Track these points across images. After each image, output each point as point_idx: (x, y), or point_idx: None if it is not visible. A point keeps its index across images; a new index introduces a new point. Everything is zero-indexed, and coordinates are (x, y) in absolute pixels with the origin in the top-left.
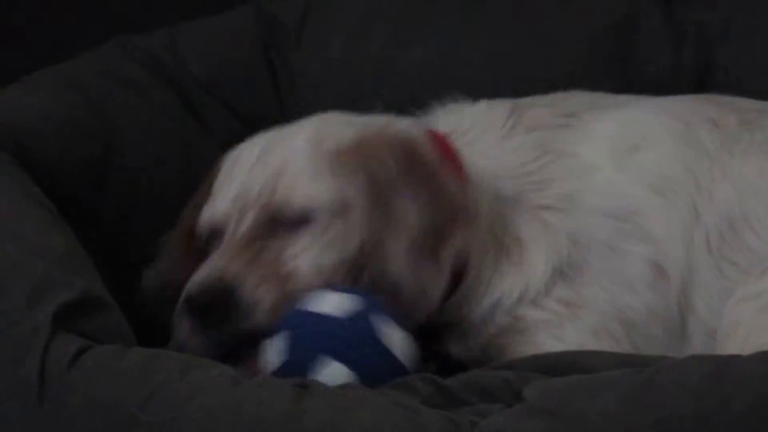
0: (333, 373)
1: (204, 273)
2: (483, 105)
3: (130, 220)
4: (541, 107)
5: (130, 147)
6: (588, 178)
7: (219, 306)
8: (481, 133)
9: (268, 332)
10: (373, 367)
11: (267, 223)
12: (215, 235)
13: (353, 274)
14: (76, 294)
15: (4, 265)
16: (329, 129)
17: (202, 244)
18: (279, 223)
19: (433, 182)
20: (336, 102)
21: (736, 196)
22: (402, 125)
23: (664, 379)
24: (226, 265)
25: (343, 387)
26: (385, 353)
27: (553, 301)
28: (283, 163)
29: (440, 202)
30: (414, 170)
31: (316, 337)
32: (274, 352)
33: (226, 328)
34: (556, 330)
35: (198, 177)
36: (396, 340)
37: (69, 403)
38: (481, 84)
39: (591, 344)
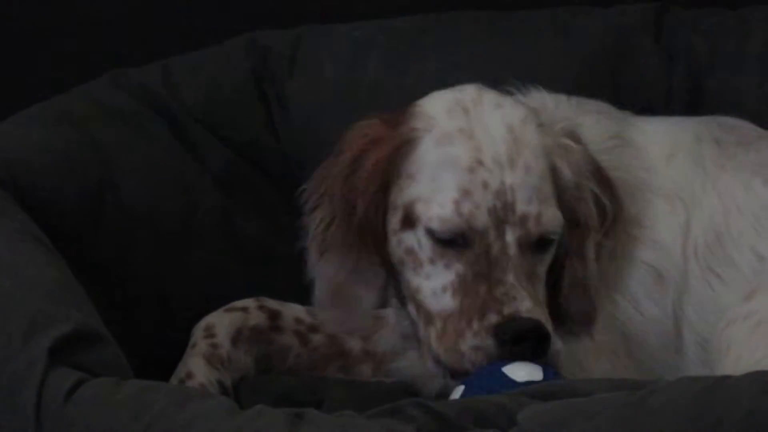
0: None
1: (519, 310)
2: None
3: (126, 252)
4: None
5: (125, 180)
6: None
7: (538, 352)
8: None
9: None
10: None
11: (527, 246)
12: (460, 239)
13: None
14: (72, 327)
15: (0, 299)
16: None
17: (428, 232)
18: (531, 246)
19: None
20: (330, 130)
21: (723, 210)
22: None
23: (656, 402)
24: (533, 305)
25: (338, 415)
26: None
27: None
28: (539, 180)
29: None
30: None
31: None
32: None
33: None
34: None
35: (194, 206)
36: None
37: None
38: None
39: (591, 359)
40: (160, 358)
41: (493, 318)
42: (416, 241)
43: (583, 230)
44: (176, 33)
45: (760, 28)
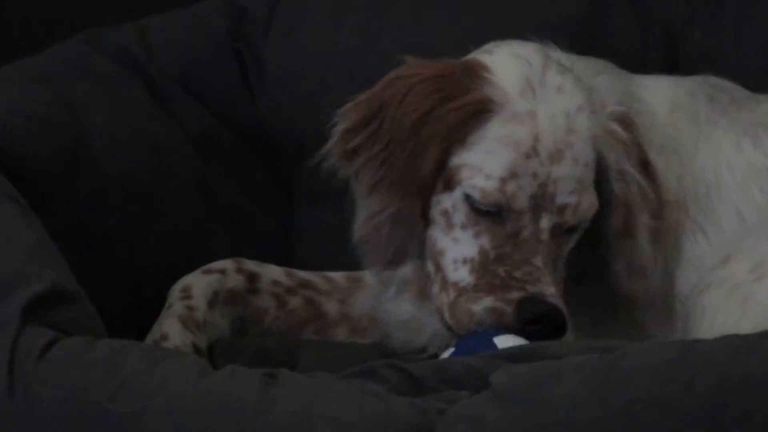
0: None
1: (543, 292)
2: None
3: (101, 212)
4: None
5: (100, 141)
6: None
7: (554, 333)
8: None
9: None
10: None
11: (560, 232)
12: (498, 214)
13: None
14: (46, 286)
15: None
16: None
17: (467, 198)
18: (563, 232)
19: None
20: (305, 92)
21: (713, 166)
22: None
23: (628, 364)
24: (554, 289)
25: (311, 375)
26: None
27: None
28: (584, 171)
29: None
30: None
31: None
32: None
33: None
34: None
35: (169, 168)
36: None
37: (39, 394)
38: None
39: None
40: (135, 318)
41: (516, 294)
42: (452, 203)
43: (628, 212)
44: None
45: None
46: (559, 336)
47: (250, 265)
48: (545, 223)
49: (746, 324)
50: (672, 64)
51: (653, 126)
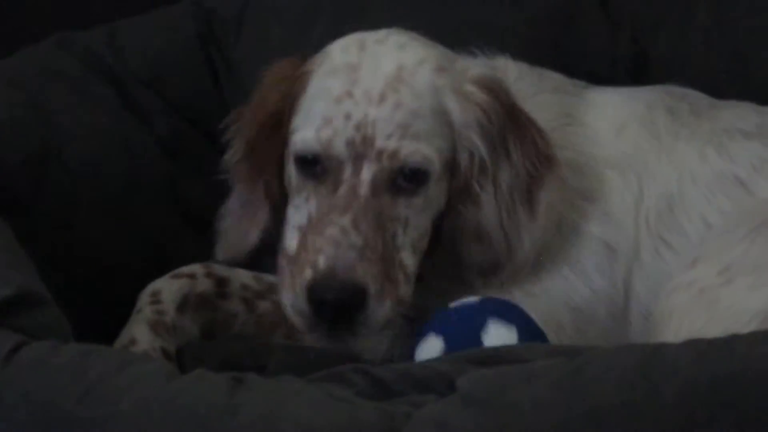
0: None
1: (334, 266)
2: (506, 61)
3: (70, 216)
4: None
5: (70, 144)
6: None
7: (351, 314)
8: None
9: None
10: None
11: (385, 182)
12: (319, 167)
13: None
14: (12, 290)
15: None
16: (450, 70)
17: (295, 158)
18: (395, 183)
19: (528, 129)
20: None
21: (677, 179)
22: (491, 72)
23: (594, 369)
24: (354, 262)
25: (278, 380)
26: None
27: (518, 291)
28: (411, 117)
29: (534, 150)
30: (516, 117)
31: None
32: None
33: (349, 327)
34: None
35: (138, 171)
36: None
37: (4, 399)
38: None
39: None
40: (103, 323)
41: (308, 273)
42: (292, 171)
43: (463, 175)
44: None
45: None
46: (360, 316)
47: (220, 269)
48: (366, 173)
49: (714, 327)
50: (641, 68)
51: (600, 144)
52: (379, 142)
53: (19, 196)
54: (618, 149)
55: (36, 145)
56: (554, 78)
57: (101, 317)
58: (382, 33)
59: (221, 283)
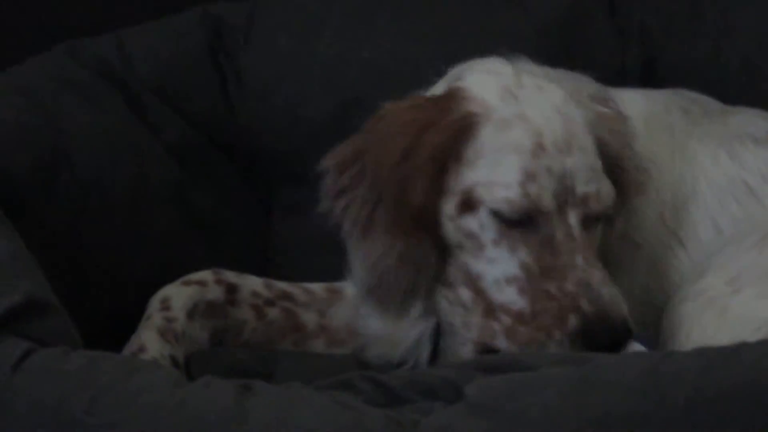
0: None
1: (604, 308)
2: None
3: (79, 222)
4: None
5: (79, 151)
6: None
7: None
8: None
9: None
10: None
11: (589, 225)
12: (524, 218)
13: None
14: (21, 297)
15: None
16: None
17: (494, 213)
18: (590, 224)
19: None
20: (284, 102)
21: (691, 177)
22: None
23: (603, 377)
24: (607, 280)
25: (286, 387)
26: None
27: None
28: (594, 159)
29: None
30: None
31: None
32: None
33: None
34: None
35: (147, 179)
36: None
37: (14, 406)
38: (429, 84)
39: None
40: (112, 329)
41: (573, 321)
42: (478, 224)
43: (625, 195)
44: (131, 4)
45: (712, 3)
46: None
47: (230, 276)
48: (573, 218)
49: (723, 336)
50: (650, 75)
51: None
52: (581, 189)
53: (28, 202)
54: (643, 143)
55: (45, 151)
56: (575, 75)
57: (110, 324)
58: (503, 74)
59: (231, 290)
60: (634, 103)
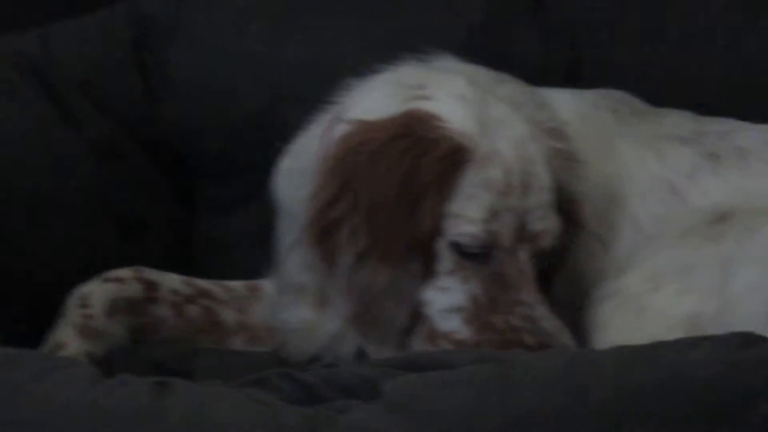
0: None
1: (555, 333)
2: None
3: None
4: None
5: None
6: None
7: None
8: None
9: None
10: None
11: (536, 259)
12: (484, 254)
13: None
14: None
15: None
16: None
17: (454, 245)
18: (536, 258)
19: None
20: (210, 100)
21: (616, 177)
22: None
23: (521, 374)
24: (551, 317)
25: (204, 384)
26: None
27: None
28: (549, 195)
29: None
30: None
31: None
32: None
33: None
34: None
35: (68, 175)
36: None
37: None
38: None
39: None
40: (32, 327)
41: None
42: (434, 253)
43: (578, 230)
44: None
45: (638, 4)
46: None
47: (150, 273)
48: (523, 254)
49: (642, 335)
50: (575, 75)
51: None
52: (533, 226)
53: None
54: (576, 144)
55: None
56: (503, 74)
57: (30, 322)
58: (473, 98)
59: (151, 287)
60: (563, 102)
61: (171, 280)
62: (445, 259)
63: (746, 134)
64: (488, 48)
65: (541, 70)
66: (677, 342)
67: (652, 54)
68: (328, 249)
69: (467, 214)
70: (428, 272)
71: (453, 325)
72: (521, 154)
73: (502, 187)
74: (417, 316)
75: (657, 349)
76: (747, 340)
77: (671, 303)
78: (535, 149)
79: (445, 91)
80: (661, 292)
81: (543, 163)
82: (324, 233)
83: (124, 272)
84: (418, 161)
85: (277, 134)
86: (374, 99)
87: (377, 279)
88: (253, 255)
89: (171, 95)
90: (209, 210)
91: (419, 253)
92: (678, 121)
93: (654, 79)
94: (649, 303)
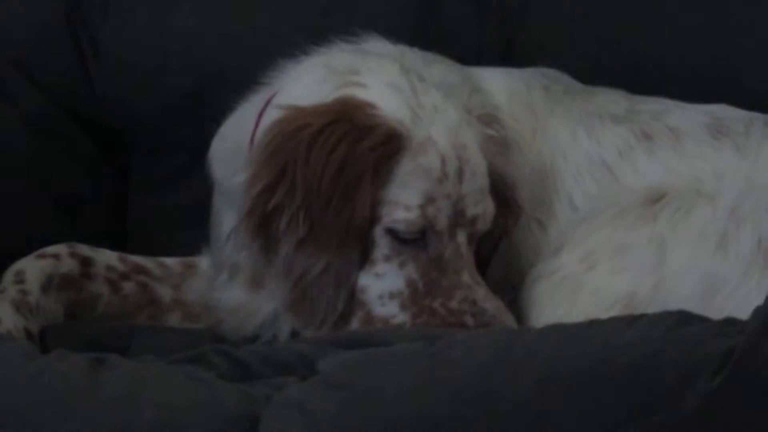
0: None
1: (495, 313)
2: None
3: None
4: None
5: None
6: None
7: None
8: None
9: None
10: None
11: (472, 242)
12: (421, 239)
13: None
14: None
15: None
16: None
17: (390, 231)
18: (473, 241)
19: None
20: (143, 75)
21: (549, 154)
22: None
23: (455, 353)
24: (490, 295)
25: (139, 360)
26: None
27: None
28: (484, 180)
29: None
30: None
31: None
32: None
33: None
34: None
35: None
36: None
37: None
38: (288, 56)
39: None
40: None
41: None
42: (369, 241)
43: (514, 213)
44: None
45: None
46: None
47: (85, 249)
48: (461, 237)
49: (577, 314)
50: (507, 55)
51: (501, 113)
52: (471, 211)
53: None
54: (507, 121)
55: None
56: (433, 54)
57: None
58: (405, 86)
59: (86, 263)
60: (496, 81)
61: (106, 257)
62: (382, 246)
63: (679, 114)
64: (420, 27)
65: (474, 49)
66: (613, 320)
67: (586, 32)
68: (267, 237)
69: (403, 201)
70: (366, 259)
71: (390, 311)
72: (455, 142)
73: (437, 174)
74: (354, 303)
75: (590, 327)
76: (682, 318)
77: (606, 282)
78: (469, 136)
79: (378, 78)
80: (596, 272)
81: (477, 149)
82: (263, 222)
83: (58, 248)
84: (353, 149)
85: (209, 112)
86: (306, 84)
87: (315, 266)
88: (187, 232)
89: (103, 71)
90: (144, 186)
91: (357, 240)
92: (611, 99)
93: (587, 57)
94: (584, 282)
